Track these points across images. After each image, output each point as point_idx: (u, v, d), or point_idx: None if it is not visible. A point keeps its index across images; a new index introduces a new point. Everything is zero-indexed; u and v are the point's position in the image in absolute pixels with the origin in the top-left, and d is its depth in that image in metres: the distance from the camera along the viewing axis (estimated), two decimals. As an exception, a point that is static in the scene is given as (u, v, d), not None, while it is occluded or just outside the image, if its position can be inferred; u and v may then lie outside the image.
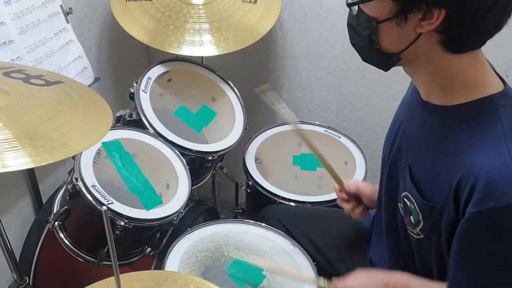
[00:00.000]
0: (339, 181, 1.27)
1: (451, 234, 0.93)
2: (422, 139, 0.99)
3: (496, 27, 0.85)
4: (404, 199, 1.02)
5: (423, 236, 1.00)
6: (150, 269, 1.42)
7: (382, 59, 0.94)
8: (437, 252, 1.00)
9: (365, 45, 0.94)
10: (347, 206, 1.27)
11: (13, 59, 1.25)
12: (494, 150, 0.84)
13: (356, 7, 0.91)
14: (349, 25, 0.96)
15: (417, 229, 1.00)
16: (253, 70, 2.02)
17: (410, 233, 1.04)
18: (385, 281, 1.07)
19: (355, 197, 1.28)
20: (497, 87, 0.91)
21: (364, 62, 0.99)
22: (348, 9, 0.95)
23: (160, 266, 1.27)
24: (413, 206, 0.99)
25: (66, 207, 1.31)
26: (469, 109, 0.90)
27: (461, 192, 0.87)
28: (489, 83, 0.91)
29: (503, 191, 0.81)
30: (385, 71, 0.98)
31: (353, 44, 0.98)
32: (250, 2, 1.68)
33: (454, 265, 0.93)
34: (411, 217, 1.01)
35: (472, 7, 0.80)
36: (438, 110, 0.95)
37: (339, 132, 1.78)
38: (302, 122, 1.83)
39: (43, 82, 0.94)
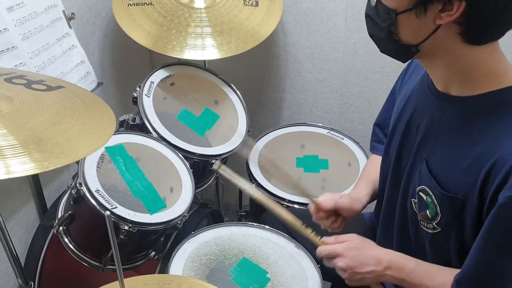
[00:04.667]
0: (313, 200, 1.23)
1: (474, 224, 0.92)
2: (439, 131, 0.98)
3: None
4: (420, 193, 1.01)
5: (440, 229, 0.99)
6: (154, 272, 1.42)
7: (401, 51, 0.94)
8: (456, 244, 0.99)
9: (384, 37, 0.93)
10: (325, 223, 1.23)
11: (16, 65, 1.25)
12: None
13: None
14: (368, 16, 0.95)
15: (434, 223, 0.99)
16: (256, 73, 2.03)
17: (425, 228, 1.02)
18: (379, 258, 1.05)
19: (333, 212, 1.23)
20: None
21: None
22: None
23: (164, 269, 1.28)
24: (430, 200, 0.98)
25: (70, 212, 1.31)
26: (494, 98, 0.89)
27: (493, 178, 0.86)
28: (510, 75, 0.90)
29: None
30: (404, 62, 0.98)
31: (371, 35, 0.97)
32: (251, 5, 1.68)
33: (476, 251, 0.92)
34: (427, 211, 1.00)
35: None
36: (458, 101, 0.94)
37: (342, 133, 1.78)
38: (305, 124, 1.83)
39: (45, 87, 0.94)
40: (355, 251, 1.07)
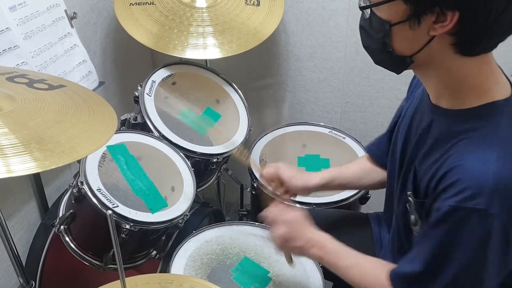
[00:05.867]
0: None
1: None
2: (429, 141, 0.99)
3: (510, 28, 0.84)
4: (409, 198, 1.03)
5: None
6: (155, 272, 1.42)
7: (395, 62, 0.94)
8: None
9: (378, 48, 0.93)
10: (269, 188, 1.29)
11: (18, 64, 1.25)
12: (483, 156, 0.84)
13: (368, 10, 0.91)
14: (361, 28, 0.96)
15: (418, 228, 1.01)
16: (257, 72, 2.03)
17: (415, 233, 1.04)
18: (311, 237, 1.10)
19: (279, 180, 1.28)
20: (504, 93, 0.90)
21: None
22: (359, 12, 0.94)
23: (165, 269, 1.28)
24: (412, 205, 1.00)
25: (71, 211, 1.31)
26: (472, 114, 0.90)
27: (440, 185, 0.88)
28: (496, 90, 0.90)
29: (475, 195, 0.82)
30: (398, 73, 0.98)
31: (365, 47, 0.98)
32: (253, 4, 1.68)
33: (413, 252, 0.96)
34: (413, 216, 1.01)
35: (485, 9, 0.80)
36: (445, 114, 0.95)
37: (343, 133, 1.78)
38: (307, 123, 1.83)
39: (47, 86, 0.95)
40: (296, 226, 1.13)
